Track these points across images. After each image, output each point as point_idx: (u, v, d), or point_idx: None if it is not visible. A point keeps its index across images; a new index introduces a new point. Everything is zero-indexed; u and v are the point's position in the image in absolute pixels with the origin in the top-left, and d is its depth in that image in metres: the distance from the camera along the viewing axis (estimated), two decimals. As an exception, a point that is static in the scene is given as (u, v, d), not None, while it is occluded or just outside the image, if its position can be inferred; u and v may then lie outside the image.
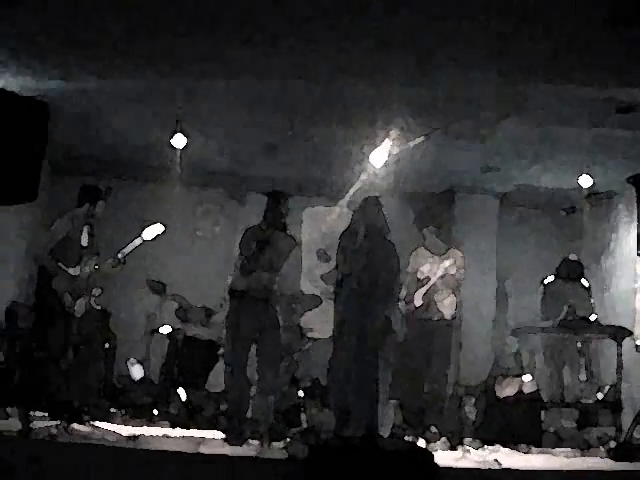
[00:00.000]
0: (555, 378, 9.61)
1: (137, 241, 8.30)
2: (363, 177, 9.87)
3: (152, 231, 8.38)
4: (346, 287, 8.12)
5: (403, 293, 8.91)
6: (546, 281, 10.25)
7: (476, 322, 12.01)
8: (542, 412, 9.46)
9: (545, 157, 10.77)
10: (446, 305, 8.91)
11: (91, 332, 8.23)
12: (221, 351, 10.19)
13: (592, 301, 10.14)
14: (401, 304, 8.85)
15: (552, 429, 9.16)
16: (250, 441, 7.42)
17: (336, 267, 8.41)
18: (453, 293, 8.97)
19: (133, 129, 10.57)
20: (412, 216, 11.84)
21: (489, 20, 7.04)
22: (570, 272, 10.19)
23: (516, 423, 9.10)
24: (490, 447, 8.22)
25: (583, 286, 10.14)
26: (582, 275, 10.30)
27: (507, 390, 9.72)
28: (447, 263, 8.87)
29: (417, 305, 8.87)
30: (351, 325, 7.98)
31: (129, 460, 6.05)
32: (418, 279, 8.94)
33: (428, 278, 8.85)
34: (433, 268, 8.92)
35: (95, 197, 8.22)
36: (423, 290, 8.86)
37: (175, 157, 10.18)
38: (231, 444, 7.30)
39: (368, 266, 8.04)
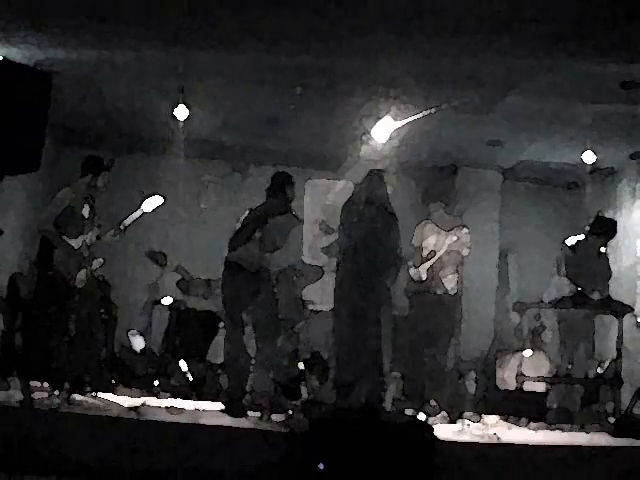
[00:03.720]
0: (566, 354, 9.51)
1: (137, 213, 8.31)
2: (365, 150, 9.85)
3: (151, 203, 8.37)
4: (347, 259, 8.14)
5: (410, 264, 8.93)
6: (574, 240, 9.81)
7: (478, 296, 12.02)
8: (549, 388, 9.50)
9: (549, 132, 10.75)
10: (450, 280, 8.92)
11: (92, 303, 8.24)
12: (222, 323, 10.21)
13: (611, 272, 9.78)
14: (412, 271, 8.88)
15: (555, 405, 9.18)
16: (251, 413, 7.45)
17: (338, 239, 8.44)
18: (457, 269, 8.98)
19: (137, 101, 10.54)
20: (415, 190, 11.87)
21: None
22: (606, 229, 9.77)
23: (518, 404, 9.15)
24: (490, 421, 8.26)
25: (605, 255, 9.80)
26: (614, 235, 9.83)
27: (508, 370, 9.75)
28: (453, 239, 8.85)
29: (423, 279, 8.88)
30: (352, 297, 8.01)
31: (130, 431, 6.10)
32: (423, 253, 8.94)
33: (434, 252, 8.85)
34: (439, 243, 8.91)
35: (98, 168, 8.22)
36: (428, 264, 8.86)
37: (178, 129, 10.17)
38: (231, 416, 7.34)
39: (368, 237, 8.06)
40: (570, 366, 9.31)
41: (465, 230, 8.97)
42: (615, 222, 9.93)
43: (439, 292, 8.89)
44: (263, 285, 8.07)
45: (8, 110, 6.28)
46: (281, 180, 8.25)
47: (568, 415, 8.97)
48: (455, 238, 8.85)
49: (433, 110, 9.45)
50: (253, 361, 8.12)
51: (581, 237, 9.64)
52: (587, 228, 9.70)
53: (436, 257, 8.81)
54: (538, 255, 11.18)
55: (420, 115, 9.51)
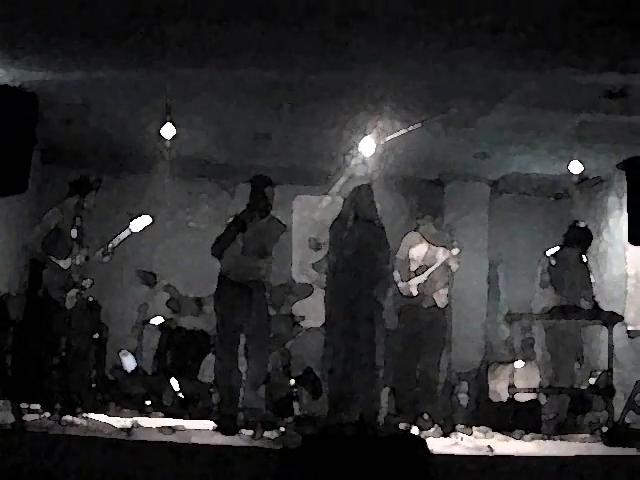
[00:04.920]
0: (556, 364, 9.49)
1: (125, 233, 8.30)
2: (353, 165, 9.85)
3: (139, 223, 8.38)
4: (337, 274, 8.14)
5: (397, 277, 8.92)
6: (552, 251, 9.84)
7: (468, 308, 12.01)
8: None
9: (535, 144, 10.75)
10: (440, 294, 8.93)
11: (82, 324, 8.22)
12: (213, 341, 10.19)
13: (592, 279, 9.79)
14: (401, 285, 8.87)
15: (551, 416, 9.16)
16: (243, 431, 7.42)
17: (328, 254, 8.44)
18: (447, 283, 8.99)
19: (123, 120, 10.51)
20: (403, 203, 11.88)
21: (479, 6, 7.02)
22: (581, 239, 9.80)
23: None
24: (483, 433, 8.25)
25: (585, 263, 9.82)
26: (590, 243, 9.86)
27: (500, 382, 9.74)
28: (445, 255, 8.89)
29: (414, 294, 8.88)
30: (343, 312, 8.01)
31: (122, 452, 6.06)
32: (410, 266, 8.95)
33: (424, 267, 8.85)
34: (428, 257, 8.93)
35: (85, 188, 8.21)
36: (419, 280, 8.87)
37: (165, 148, 10.15)
38: (224, 434, 7.31)
39: (359, 252, 8.07)
40: (560, 376, 9.30)
41: (456, 250, 8.99)
42: (589, 230, 9.95)
43: (429, 306, 8.90)
44: (256, 299, 8.03)
45: (-6, 132, 6.28)
46: (259, 182, 8.27)
47: (562, 426, 8.97)
48: (447, 255, 8.88)
49: (420, 124, 9.46)
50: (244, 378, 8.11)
51: (557, 248, 9.66)
52: (562, 238, 9.74)
53: (427, 273, 8.83)
54: (527, 266, 11.15)
55: (407, 129, 9.52)
